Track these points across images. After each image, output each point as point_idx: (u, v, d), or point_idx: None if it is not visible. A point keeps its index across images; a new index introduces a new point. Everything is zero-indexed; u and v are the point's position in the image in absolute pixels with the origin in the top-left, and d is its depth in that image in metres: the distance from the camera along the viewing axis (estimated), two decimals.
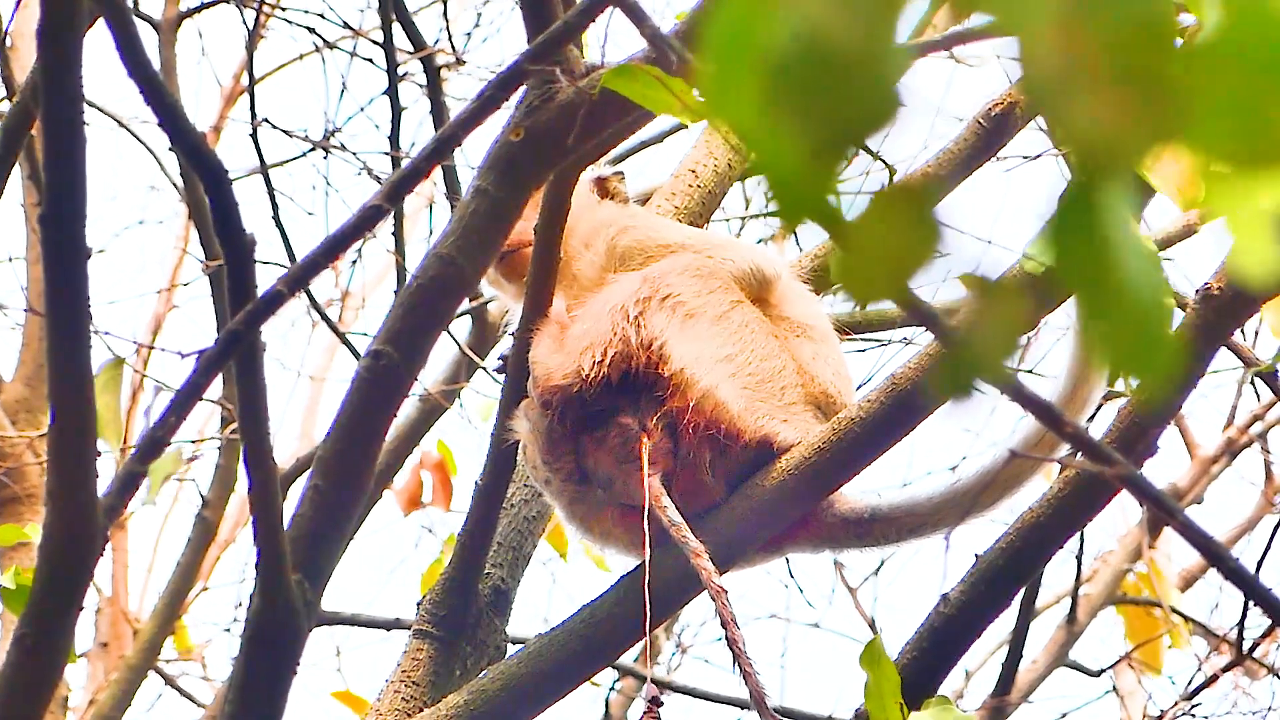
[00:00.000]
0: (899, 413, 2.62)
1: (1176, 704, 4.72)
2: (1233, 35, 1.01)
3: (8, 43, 4.39)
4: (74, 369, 1.78)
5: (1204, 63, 1.01)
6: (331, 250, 1.65)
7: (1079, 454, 1.38)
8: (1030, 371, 5.38)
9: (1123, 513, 6.12)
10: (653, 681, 2.65)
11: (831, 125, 1.01)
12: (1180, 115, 1.01)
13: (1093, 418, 2.99)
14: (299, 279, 1.64)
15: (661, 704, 2.56)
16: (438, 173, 5.38)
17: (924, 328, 1.18)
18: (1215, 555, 1.39)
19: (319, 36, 5.55)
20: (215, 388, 5.15)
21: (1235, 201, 1.09)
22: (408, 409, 5.33)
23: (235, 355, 1.72)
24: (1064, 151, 1.04)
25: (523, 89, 2.08)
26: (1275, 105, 1.01)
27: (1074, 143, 1.01)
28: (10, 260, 5.86)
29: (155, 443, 1.65)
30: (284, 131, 5.18)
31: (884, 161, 4.89)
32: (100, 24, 1.89)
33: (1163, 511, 1.36)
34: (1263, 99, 1.01)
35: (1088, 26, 1.00)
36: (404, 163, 1.97)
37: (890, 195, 1.09)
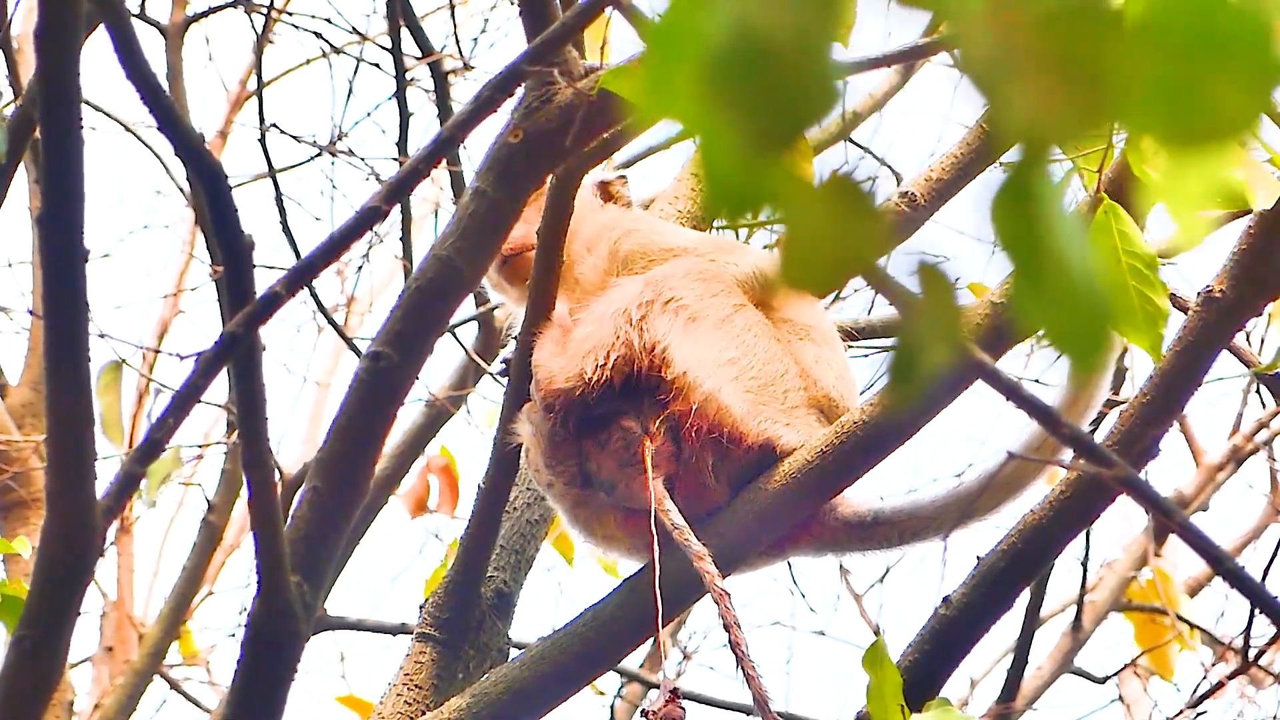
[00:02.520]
0: (902, 417, 2.62)
1: (1182, 711, 4.70)
2: (1165, 18, 1.02)
3: (14, 45, 4.40)
4: (72, 371, 1.78)
5: (1138, 45, 1.02)
6: (329, 252, 1.65)
7: (1078, 456, 1.38)
8: (1035, 379, 5.38)
9: (1128, 520, 6.11)
10: (658, 686, 2.65)
11: (769, 118, 1.01)
12: (1116, 98, 1.01)
13: (1097, 422, 2.99)
14: (296, 280, 1.64)
15: (680, 693, 2.57)
16: (445, 178, 5.39)
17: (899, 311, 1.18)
18: (1213, 557, 1.39)
19: (326, 41, 5.56)
20: (222, 392, 5.16)
21: (1172, 179, 1.10)
22: (414, 414, 5.33)
23: (233, 357, 1.72)
24: (1008, 137, 1.04)
25: (521, 90, 2.08)
26: (1208, 86, 1.01)
27: (1011, 126, 1.02)
28: (11, 265, 5.88)
29: (153, 444, 1.65)
30: (292, 136, 5.19)
31: (880, 160, 4.88)
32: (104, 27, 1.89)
33: (1160, 513, 1.36)
34: (1195, 80, 1.01)
35: (1023, 11, 1.00)
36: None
37: (831, 190, 1.10)
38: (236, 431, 3.95)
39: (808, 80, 1.01)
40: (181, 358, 4.12)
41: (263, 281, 1.76)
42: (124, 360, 5.17)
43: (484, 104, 1.73)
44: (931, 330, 1.11)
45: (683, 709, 2.54)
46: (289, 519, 2.04)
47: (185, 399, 1.64)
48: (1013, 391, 1.25)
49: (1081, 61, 1.00)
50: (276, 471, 5.21)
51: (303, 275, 1.66)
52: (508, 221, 2.08)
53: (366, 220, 1.65)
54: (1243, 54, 1.01)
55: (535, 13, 2.21)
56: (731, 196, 1.03)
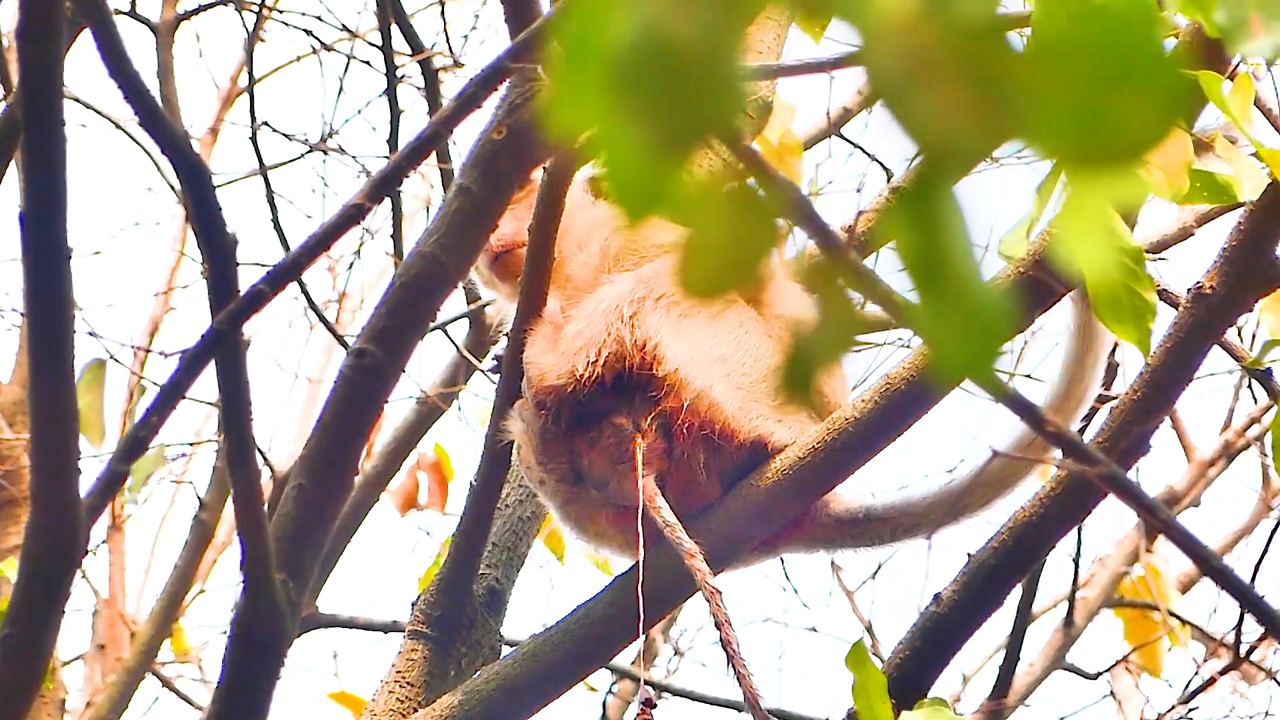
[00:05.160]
0: (893, 413, 2.62)
1: (1173, 708, 4.71)
2: (1073, 38, 1.02)
3: (3, 43, 4.39)
4: (55, 369, 1.78)
5: (1045, 65, 1.02)
6: (313, 250, 1.65)
7: (1064, 455, 1.38)
8: (1027, 375, 5.38)
9: (1120, 516, 6.11)
10: (648, 684, 2.65)
11: (676, 122, 1.01)
12: (1022, 114, 1.01)
13: (1088, 418, 2.99)
14: (281, 278, 1.64)
15: (655, 705, 2.56)
16: (436, 175, 5.39)
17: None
18: (1199, 555, 1.38)
19: (316, 39, 5.55)
20: (213, 389, 5.14)
21: (1075, 198, 1.10)
22: (405, 411, 5.33)
23: (218, 354, 1.71)
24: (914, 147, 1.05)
25: (505, 87, 2.08)
26: (1113, 108, 1.01)
27: (918, 139, 1.02)
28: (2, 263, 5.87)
29: (137, 442, 1.65)
30: (283, 134, 5.18)
31: (870, 155, 4.87)
32: None
33: (1146, 511, 1.35)
34: (1101, 102, 1.01)
35: (932, 25, 1.00)
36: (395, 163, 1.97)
37: (728, 191, 1.10)
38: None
39: (713, 85, 1.01)
40: (166, 355, 4.12)
41: (253, 279, 1.75)
42: (113, 357, 5.16)
43: (467, 101, 1.72)
44: (825, 332, 1.11)
45: None
46: (274, 517, 2.04)
47: (169, 397, 1.63)
48: (998, 390, 1.25)
49: (988, 79, 1.00)
50: (268, 469, 5.24)
51: (287, 273, 1.66)
52: (492, 218, 2.08)
53: (350, 218, 1.65)
54: (1149, 78, 1.01)
55: (518, 9, 2.21)
56: (634, 199, 1.03)
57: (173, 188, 5.44)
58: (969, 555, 2.67)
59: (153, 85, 5.09)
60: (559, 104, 1.01)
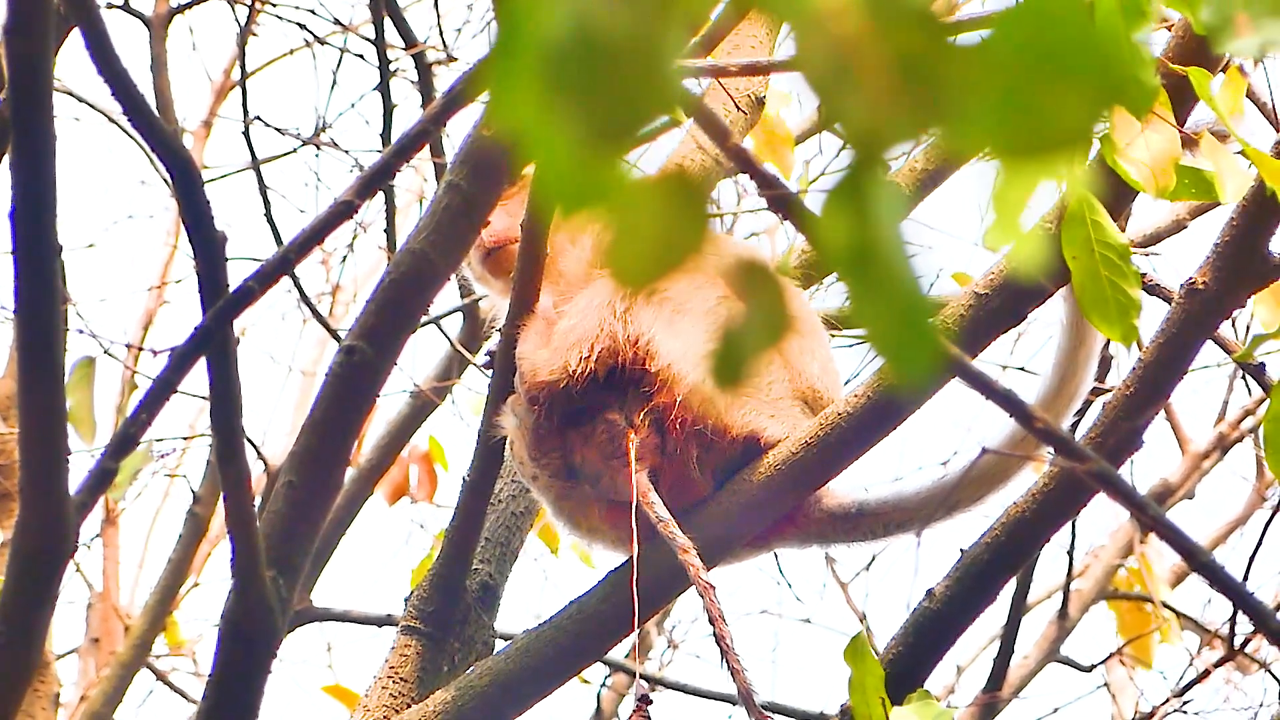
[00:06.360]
0: (886, 408, 2.62)
1: (1168, 699, 4.70)
2: (1006, 30, 1.01)
3: None
4: (45, 366, 1.78)
5: (976, 55, 1.01)
6: (303, 247, 1.65)
7: (1053, 451, 1.38)
8: (1020, 368, 5.38)
9: (1114, 508, 6.11)
10: (643, 678, 2.65)
11: (609, 116, 1.01)
12: (951, 106, 1.01)
13: (1081, 412, 2.99)
14: (270, 275, 1.64)
15: (650, 702, 2.56)
16: (430, 169, 5.38)
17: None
18: (1189, 552, 1.38)
19: (310, 32, 5.54)
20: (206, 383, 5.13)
21: (1005, 192, 1.09)
22: (399, 405, 5.33)
23: (207, 351, 1.71)
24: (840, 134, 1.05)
25: None
26: (1045, 99, 1.00)
27: (846, 128, 1.02)
28: None
29: (127, 439, 1.65)
30: (275, 129, 5.18)
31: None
32: None
33: (1136, 509, 1.35)
34: (1032, 93, 1.01)
35: (864, 16, 1.00)
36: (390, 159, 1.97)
37: (656, 183, 1.10)
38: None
39: (646, 80, 1.00)
40: (155, 353, 4.12)
41: (245, 273, 1.75)
42: (106, 352, 5.16)
43: (457, 97, 1.72)
44: (754, 323, 1.11)
45: (649, 718, 2.53)
46: (264, 513, 2.04)
47: (158, 394, 1.63)
48: (987, 387, 1.25)
49: (917, 68, 1.00)
50: (261, 462, 5.24)
51: (277, 269, 1.66)
52: (482, 214, 2.08)
53: (339, 214, 1.65)
54: (1082, 69, 1.01)
55: None
56: (567, 194, 1.03)
57: (166, 181, 5.44)
58: (961, 551, 2.67)
59: (146, 79, 5.09)
60: (493, 98, 1.01)
